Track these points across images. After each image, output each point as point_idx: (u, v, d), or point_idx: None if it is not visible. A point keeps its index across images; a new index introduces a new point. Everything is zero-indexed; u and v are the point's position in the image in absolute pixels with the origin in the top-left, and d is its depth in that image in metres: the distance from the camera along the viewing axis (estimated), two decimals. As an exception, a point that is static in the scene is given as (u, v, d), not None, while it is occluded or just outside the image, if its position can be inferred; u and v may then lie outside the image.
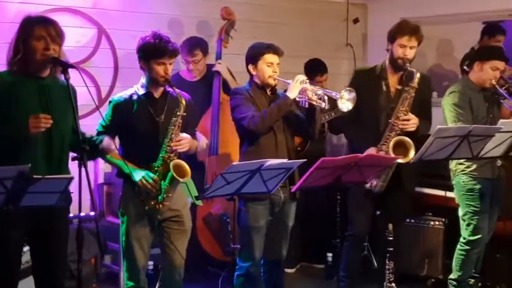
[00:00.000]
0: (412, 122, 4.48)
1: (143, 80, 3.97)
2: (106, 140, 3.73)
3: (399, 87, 4.62)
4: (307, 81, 4.21)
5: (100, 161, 5.41)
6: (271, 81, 4.27)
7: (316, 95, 4.13)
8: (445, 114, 4.81)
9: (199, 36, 5.77)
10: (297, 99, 4.18)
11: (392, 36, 4.60)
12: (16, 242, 3.50)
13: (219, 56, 5.64)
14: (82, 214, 3.34)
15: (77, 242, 3.31)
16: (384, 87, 4.63)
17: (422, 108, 4.60)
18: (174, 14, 6.03)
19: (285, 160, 3.86)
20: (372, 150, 4.46)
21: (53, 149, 3.56)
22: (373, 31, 7.09)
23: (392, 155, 4.33)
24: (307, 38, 6.79)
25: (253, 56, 4.29)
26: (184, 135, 3.91)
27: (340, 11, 7.07)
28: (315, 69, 6.06)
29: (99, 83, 5.67)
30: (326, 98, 4.12)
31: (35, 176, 3.10)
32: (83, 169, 3.24)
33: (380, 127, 4.57)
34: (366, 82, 4.60)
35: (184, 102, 3.86)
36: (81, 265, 3.35)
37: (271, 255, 4.38)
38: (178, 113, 3.85)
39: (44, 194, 3.18)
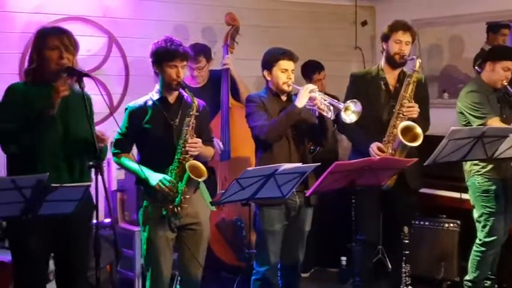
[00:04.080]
0: (416, 109, 4.45)
1: (157, 86, 3.98)
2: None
3: (398, 85, 4.62)
4: (316, 89, 4.16)
5: (113, 168, 5.46)
6: (286, 88, 4.23)
7: (323, 104, 4.10)
8: (468, 115, 4.73)
9: (204, 42, 5.79)
10: (308, 107, 4.16)
11: (386, 35, 4.64)
12: (37, 250, 3.51)
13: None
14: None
15: (94, 250, 3.31)
16: (383, 86, 4.63)
17: (420, 108, 4.51)
18: (179, 21, 6.03)
19: (299, 164, 3.85)
20: (375, 145, 4.44)
21: (72, 158, 3.57)
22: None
23: (401, 139, 4.27)
24: (316, 42, 6.78)
25: (268, 62, 4.26)
26: (197, 139, 3.89)
27: (348, 13, 7.06)
28: (311, 69, 6.07)
29: (111, 90, 5.69)
30: (332, 108, 4.07)
31: (52, 185, 3.11)
32: (99, 177, 3.26)
33: (383, 125, 4.54)
34: (364, 84, 4.59)
35: (196, 102, 3.86)
36: (99, 272, 3.35)
37: (287, 259, 4.36)
38: (191, 113, 3.83)
39: (62, 202, 3.19)
